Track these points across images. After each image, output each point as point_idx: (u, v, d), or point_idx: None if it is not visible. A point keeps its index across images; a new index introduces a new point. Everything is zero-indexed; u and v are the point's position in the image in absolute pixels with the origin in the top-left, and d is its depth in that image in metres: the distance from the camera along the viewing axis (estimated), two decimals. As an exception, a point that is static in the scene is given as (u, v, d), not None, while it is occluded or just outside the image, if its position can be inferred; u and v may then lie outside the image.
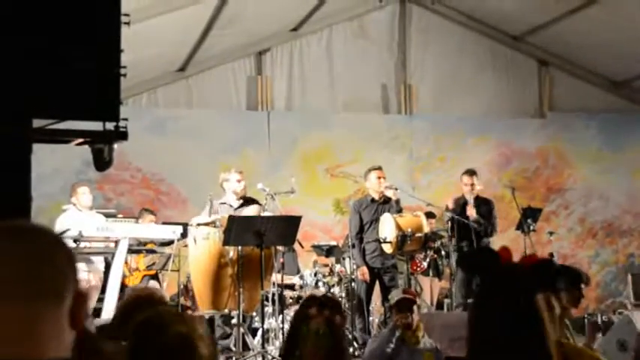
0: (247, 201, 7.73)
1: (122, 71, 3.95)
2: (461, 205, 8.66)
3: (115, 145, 4.23)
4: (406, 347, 4.89)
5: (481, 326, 2.26)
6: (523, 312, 2.21)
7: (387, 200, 8.20)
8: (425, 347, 4.94)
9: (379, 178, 8.22)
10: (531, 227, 9.12)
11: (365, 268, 8.04)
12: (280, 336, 7.24)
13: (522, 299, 2.23)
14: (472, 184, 8.71)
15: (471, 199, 8.62)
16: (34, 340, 1.21)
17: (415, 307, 5.34)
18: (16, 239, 1.26)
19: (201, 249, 7.02)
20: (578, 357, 2.60)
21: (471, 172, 8.88)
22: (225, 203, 7.61)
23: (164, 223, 8.39)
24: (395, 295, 5.22)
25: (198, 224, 7.09)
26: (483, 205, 8.75)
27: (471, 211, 8.52)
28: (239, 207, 7.62)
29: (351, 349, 7.69)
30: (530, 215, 9.15)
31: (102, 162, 4.29)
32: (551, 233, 10.40)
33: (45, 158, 9.20)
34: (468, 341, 2.31)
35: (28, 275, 1.23)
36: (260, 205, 7.62)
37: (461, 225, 8.41)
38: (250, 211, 7.46)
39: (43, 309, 1.23)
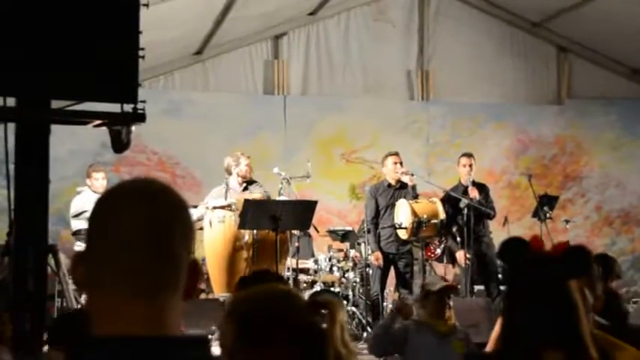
0: (249, 182, 7.74)
1: (140, 53, 3.94)
2: (460, 192, 8.57)
3: (133, 128, 4.23)
4: (436, 335, 4.83)
5: (514, 316, 2.25)
6: (555, 301, 2.19)
7: (403, 186, 8.18)
8: (456, 336, 4.89)
9: (396, 163, 8.20)
10: (547, 215, 9.08)
11: (379, 253, 8.04)
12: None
13: (554, 287, 2.21)
14: (470, 165, 8.63)
15: (469, 181, 8.54)
16: (162, 330, 1.17)
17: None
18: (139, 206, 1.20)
19: (216, 232, 7.04)
20: (615, 349, 2.58)
21: (469, 154, 8.81)
22: (230, 188, 7.63)
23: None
24: (435, 282, 5.11)
25: (214, 207, 7.10)
26: (480, 189, 8.67)
27: (474, 193, 8.44)
28: (243, 190, 7.63)
29: (364, 334, 7.72)
30: (546, 203, 9.11)
31: (119, 144, 4.30)
32: (567, 221, 10.35)
33: (62, 140, 9.21)
34: (502, 330, 2.31)
35: (153, 266, 1.18)
36: (261, 186, 7.67)
37: (471, 209, 8.32)
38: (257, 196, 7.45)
39: (165, 302, 1.19)
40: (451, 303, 4.97)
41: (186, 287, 1.23)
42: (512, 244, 2.36)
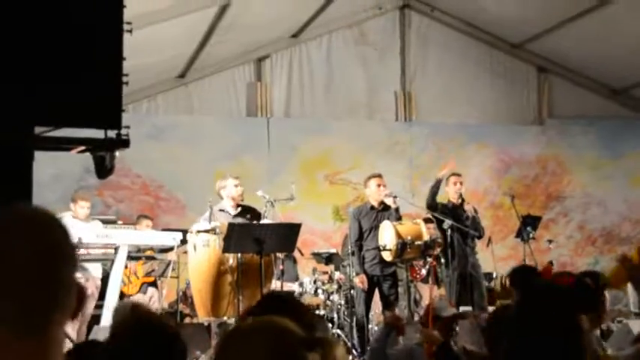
0: (245, 209, 7.67)
1: (124, 79, 3.95)
2: (450, 209, 8.62)
3: (117, 153, 4.23)
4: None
5: (522, 344, 2.24)
6: (566, 333, 2.19)
7: (386, 207, 8.19)
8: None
9: (379, 185, 8.21)
10: (531, 235, 9.13)
11: (364, 276, 8.03)
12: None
13: (565, 320, 2.21)
14: (461, 183, 8.73)
15: (460, 198, 8.62)
16: None
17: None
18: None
19: (200, 256, 7.01)
20: None
21: (458, 174, 8.88)
22: (223, 210, 7.57)
23: (163, 230, 8.38)
24: (444, 307, 5.04)
25: (198, 231, 7.08)
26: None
27: (469, 206, 8.50)
28: (237, 215, 7.56)
29: (350, 357, 7.69)
30: (529, 223, 9.16)
31: (103, 170, 4.29)
32: (550, 241, 10.41)
33: (45, 165, 9.18)
34: (506, 356, 2.30)
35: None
36: (249, 207, 7.58)
37: (455, 230, 8.37)
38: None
39: (53, 335, 1.16)
40: (457, 329, 4.95)
41: (74, 309, 1.21)
42: (523, 271, 2.38)
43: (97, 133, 4.14)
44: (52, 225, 1.23)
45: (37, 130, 3.99)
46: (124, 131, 4.04)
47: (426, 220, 8.52)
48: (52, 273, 1.17)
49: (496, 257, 9.74)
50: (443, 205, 8.67)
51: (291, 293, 4.07)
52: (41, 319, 1.15)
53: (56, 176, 9.72)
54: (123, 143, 4.11)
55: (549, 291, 2.29)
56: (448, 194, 8.77)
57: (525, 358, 2.18)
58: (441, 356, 4.25)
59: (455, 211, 8.59)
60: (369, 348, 5.37)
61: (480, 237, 8.77)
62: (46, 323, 1.16)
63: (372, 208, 8.24)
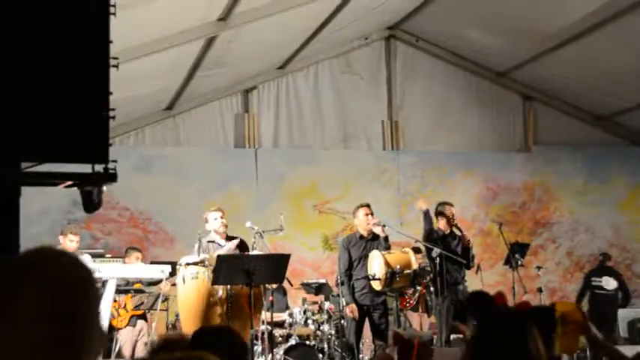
0: (233, 240, 7.63)
1: (110, 114, 3.97)
2: (440, 237, 8.65)
3: (104, 188, 4.23)
4: None
5: None
6: (518, 354, 2.23)
7: (375, 237, 8.21)
8: None
9: (367, 214, 8.23)
10: (519, 262, 9.15)
11: (354, 306, 8.02)
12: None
13: (517, 342, 2.25)
14: (454, 214, 8.76)
15: (451, 227, 8.68)
16: None
17: None
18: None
19: (189, 288, 6.99)
20: None
21: (451, 204, 8.95)
22: (213, 241, 7.55)
23: (152, 262, 8.35)
24: (409, 334, 5.06)
25: (187, 264, 7.06)
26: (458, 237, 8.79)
27: (468, 236, 8.55)
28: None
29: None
30: (517, 250, 9.19)
31: (91, 204, 4.29)
32: (539, 268, 10.44)
33: (32, 198, 9.17)
34: None
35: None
36: (236, 238, 7.51)
37: (444, 259, 8.38)
38: (227, 248, 7.31)
39: None
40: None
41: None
42: (478, 298, 2.42)
43: (84, 168, 4.14)
44: (72, 263, 1.23)
45: (23, 165, 3.99)
46: (111, 165, 4.05)
47: (415, 250, 8.53)
48: (72, 312, 1.17)
49: (485, 284, 9.75)
50: (430, 233, 8.71)
51: (223, 329, 4.05)
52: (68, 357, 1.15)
53: (43, 210, 9.69)
54: (110, 177, 4.12)
55: (504, 316, 2.34)
56: (438, 223, 8.82)
57: None
58: None
59: (445, 239, 8.63)
60: None
61: (467, 267, 8.79)
62: None
63: (361, 237, 8.25)
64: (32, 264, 1.20)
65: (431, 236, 8.61)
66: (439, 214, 8.84)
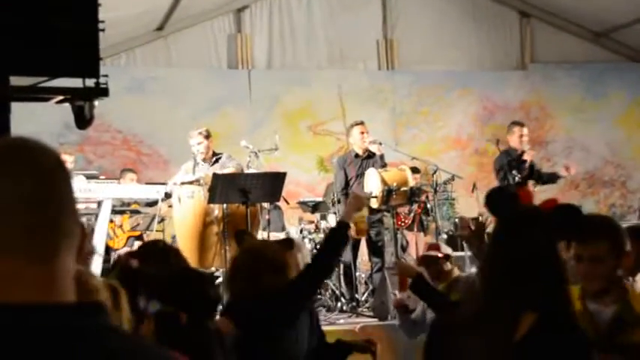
0: (217, 159, 7.57)
1: (100, 26, 3.86)
2: (515, 157, 8.37)
3: (96, 103, 4.15)
4: None
5: (497, 268, 2.17)
6: (543, 256, 2.13)
7: (371, 155, 8.16)
8: None
9: (362, 132, 8.16)
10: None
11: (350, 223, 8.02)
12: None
13: (543, 243, 2.15)
14: (526, 134, 8.47)
15: (525, 147, 8.38)
16: (57, 297, 1.11)
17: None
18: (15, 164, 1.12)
19: (185, 208, 6.97)
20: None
21: (522, 124, 8.64)
22: (199, 164, 7.50)
23: (147, 184, 8.31)
24: None
25: (182, 183, 7.02)
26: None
27: (530, 155, 8.29)
28: (213, 164, 7.50)
29: (338, 304, 7.74)
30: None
31: (83, 120, 4.21)
32: (535, 185, 10.42)
33: (22, 122, 9.02)
34: (482, 281, 2.25)
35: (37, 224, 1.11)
36: (233, 159, 7.50)
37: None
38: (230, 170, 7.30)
39: (57, 268, 1.12)
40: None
41: (79, 248, 1.17)
42: (500, 195, 2.29)
43: (76, 83, 4.05)
44: (45, 149, 1.18)
45: (13, 81, 3.91)
46: (102, 80, 3.96)
47: (414, 170, 8.49)
48: (51, 196, 1.14)
49: (481, 203, 9.74)
50: (506, 151, 8.47)
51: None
52: (48, 244, 1.12)
53: (35, 133, 9.40)
54: (102, 92, 4.04)
55: (529, 219, 2.22)
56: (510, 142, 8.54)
57: (500, 291, 2.12)
58: (415, 288, 4.30)
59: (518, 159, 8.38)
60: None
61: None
62: (54, 250, 1.12)
63: (357, 156, 8.20)
64: (8, 150, 1.16)
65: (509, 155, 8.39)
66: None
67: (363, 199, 4.32)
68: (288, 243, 3.91)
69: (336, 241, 3.82)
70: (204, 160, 7.50)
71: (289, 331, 3.50)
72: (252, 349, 3.36)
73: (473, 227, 3.82)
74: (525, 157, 8.28)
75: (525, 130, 8.50)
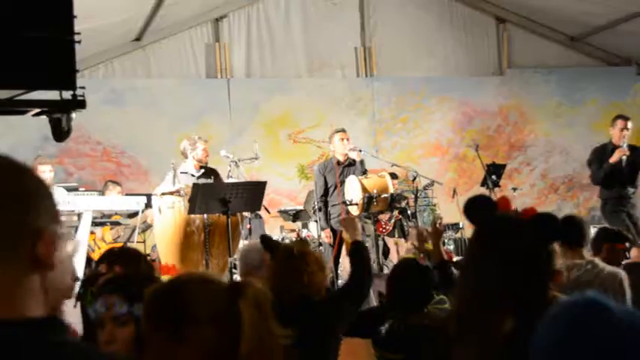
0: (207, 170, 7.63)
1: (76, 38, 3.85)
2: (609, 151, 8.39)
3: (74, 115, 4.14)
4: None
5: (475, 278, 2.14)
6: (525, 265, 2.10)
7: (352, 162, 8.18)
8: None
9: (343, 139, 8.18)
10: (496, 183, 9.18)
11: (329, 231, 8.04)
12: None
13: (525, 252, 2.12)
14: (628, 129, 8.40)
15: (624, 143, 8.34)
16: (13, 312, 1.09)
17: None
18: None
19: (166, 218, 6.95)
20: None
21: (627, 117, 8.54)
22: (186, 172, 7.51)
23: (127, 195, 8.28)
24: None
25: (163, 193, 7.00)
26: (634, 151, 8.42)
27: (621, 153, 8.26)
28: (200, 176, 7.53)
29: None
30: (494, 171, 9.20)
31: (60, 132, 4.20)
32: (514, 189, 10.50)
33: (2, 135, 9.02)
34: (461, 292, 2.23)
35: None
36: (208, 169, 7.59)
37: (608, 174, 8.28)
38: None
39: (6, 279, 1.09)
40: None
41: (34, 256, 1.14)
42: (480, 203, 2.27)
43: (53, 95, 4.04)
44: (22, 171, 1.18)
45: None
46: (79, 92, 3.95)
47: (392, 176, 8.52)
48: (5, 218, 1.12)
49: (462, 208, 9.79)
50: (603, 146, 8.53)
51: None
52: None
53: (13, 146, 9.50)
54: (79, 104, 4.03)
55: (509, 225, 2.19)
56: (612, 136, 8.53)
57: (482, 294, 2.10)
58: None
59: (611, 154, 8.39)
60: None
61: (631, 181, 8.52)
62: None
63: (338, 163, 8.21)
64: None
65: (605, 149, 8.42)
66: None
67: (354, 219, 4.32)
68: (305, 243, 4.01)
69: (358, 257, 3.82)
70: (199, 167, 7.54)
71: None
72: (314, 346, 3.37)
73: (427, 236, 3.85)
74: (614, 156, 8.24)
75: (630, 124, 8.40)
